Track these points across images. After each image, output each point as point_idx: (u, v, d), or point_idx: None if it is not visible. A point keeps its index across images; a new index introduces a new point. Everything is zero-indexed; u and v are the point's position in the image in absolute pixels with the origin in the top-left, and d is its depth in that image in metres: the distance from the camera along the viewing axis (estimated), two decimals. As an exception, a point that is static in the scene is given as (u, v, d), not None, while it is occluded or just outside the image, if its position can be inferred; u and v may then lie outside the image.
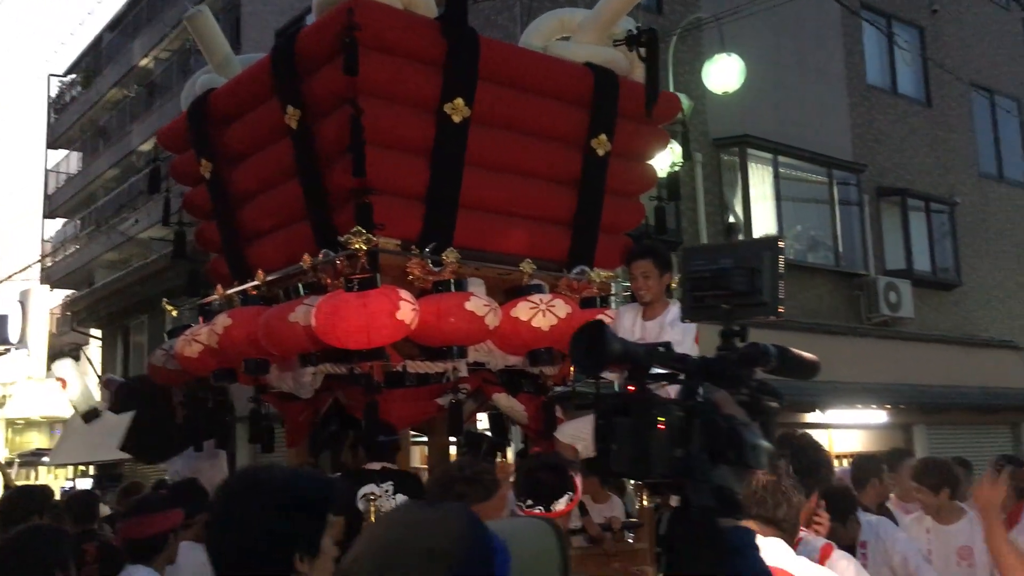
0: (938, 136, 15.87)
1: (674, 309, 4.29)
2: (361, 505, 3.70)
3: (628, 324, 4.33)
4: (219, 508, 1.91)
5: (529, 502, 3.10)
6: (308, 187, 4.36)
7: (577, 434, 4.45)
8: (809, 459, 2.94)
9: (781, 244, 1.58)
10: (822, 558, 2.76)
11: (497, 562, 1.29)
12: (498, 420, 5.28)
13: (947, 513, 4.93)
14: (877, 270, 14.21)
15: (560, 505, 3.08)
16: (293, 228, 4.54)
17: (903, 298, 13.89)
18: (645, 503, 4.81)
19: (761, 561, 1.36)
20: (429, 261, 4.19)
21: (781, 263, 1.56)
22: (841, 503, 4.63)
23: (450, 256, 4.22)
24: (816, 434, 13.58)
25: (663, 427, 1.34)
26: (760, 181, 13.09)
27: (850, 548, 4.53)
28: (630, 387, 1.40)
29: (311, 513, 1.89)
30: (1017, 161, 17.56)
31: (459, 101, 4.24)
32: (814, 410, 12.38)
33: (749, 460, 1.36)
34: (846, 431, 13.33)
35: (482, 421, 5.77)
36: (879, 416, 13.43)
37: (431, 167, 4.28)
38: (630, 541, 4.67)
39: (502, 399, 4.74)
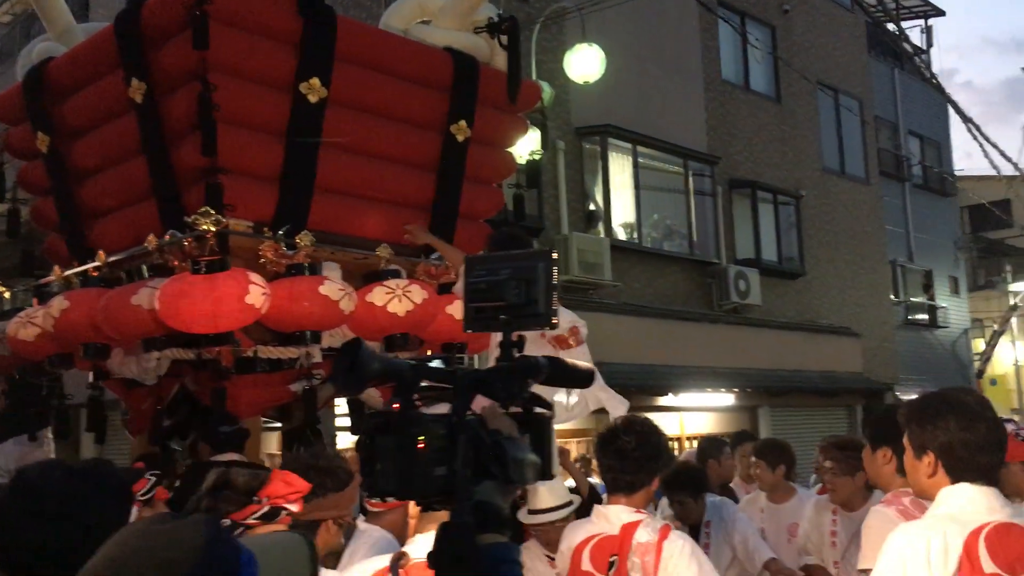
0: (786, 132, 16.62)
1: None
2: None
3: None
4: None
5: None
6: (154, 165, 4.17)
7: None
8: (652, 444, 3.03)
9: (555, 256, 1.61)
10: (660, 538, 2.86)
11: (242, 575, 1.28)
12: (356, 406, 5.22)
13: (780, 492, 5.20)
14: (728, 259, 14.80)
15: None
16: (138, 207, 4.34)
17: (751, 286, 14.51)
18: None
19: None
20: (282, 244, 4.09)
21: (555, 275, 1.58)
22: (694, 481, 4.83)
23: (304, 239, 4.13)
24: (667, 417, 14.09)
25: (423, 446, 1.33)
26: (620, 170, 13.39)
27: (699, 526, 4.73)
28: (395, 405, 1.39)
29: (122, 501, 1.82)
30: (858, 157, 18.60)
31: (315, 81, 4.14)
32: (667, 394, 12.81)
33: (512, 475, 1.38)
34: (696, 413, 13.86)
35: (341, 406, 5.70)
36: (727, 399, 14.01)
37: (285, 148, 4.16)
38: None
39: (357, 385, 4.68)
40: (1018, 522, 2.31)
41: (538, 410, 1.52)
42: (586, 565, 2.94)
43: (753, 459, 5.37)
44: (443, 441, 1.34)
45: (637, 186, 13.50)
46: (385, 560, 2.35)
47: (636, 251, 13.38)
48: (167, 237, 4.02)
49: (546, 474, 1.49)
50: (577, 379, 1.67)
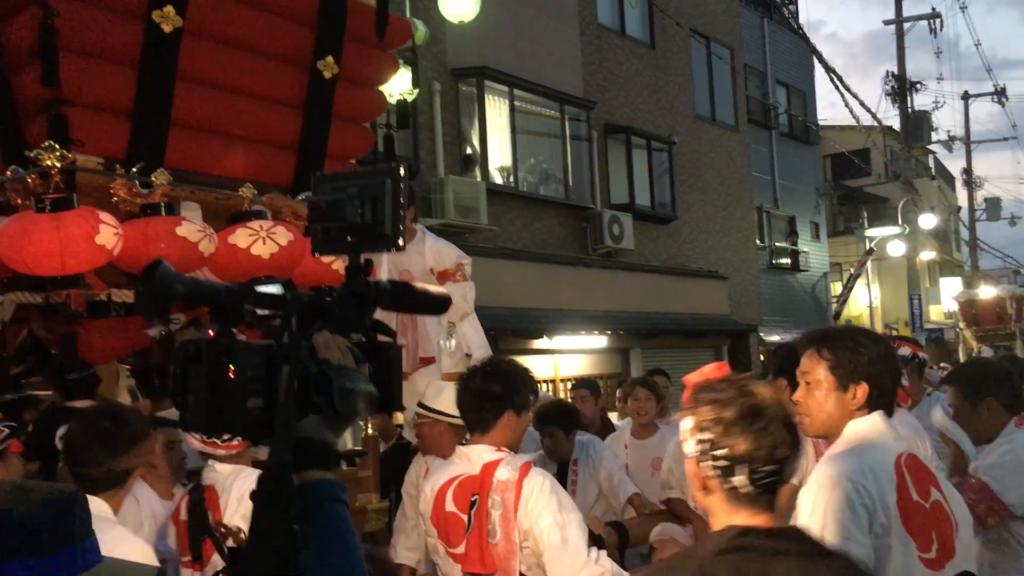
0: (660, 78, 16.85)
1: (427, 237, 4.27)
2: (61, 446, 3.43)
3: None
4: None
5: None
6: (-8, 96, 3.89)
7: None
8: (502, 383, 3.03)
9: (402, 171, 1.46)
10: (520, 475, 2.89)
11: None
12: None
13: (645, 429, 5.36)
14: (603, 203, 15.00)
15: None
16: (-25, 141, 4.05)
17: (625, 231, 14.78)
18: (370, 431, 4.84)
19: (345, 514, 1.31)
20: (136, 182, 3.89)
21: (403, 192, 1.45)
22: (566, 416, 4.93)
23: (160, 177, 3.93)
24: (542, 359, 14.25)
25: (233, 376, 1.23)
26: (497, 113, 13.32)
27: (568, 463, 4.83)
28: (211, 331, 1.28)
29: None
30: (728, 105, 19.06)
31: (169, 9, 3.91)
32: (541, 336, 12.98)
33: (339, 407, 1.29)
34: (570, 356, 14.11)
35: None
36: (600, 341, 14.31)
37: (138, 79, 3.94)
38: (352, 469, 4.67)
39: (220, 329, 4.54)
40: (913, 452, 2.44)
41: (382, 338, 1.43)
42: (449, 506, 2.95)
43: (637, 391, 5.47)
44: (260, 371, 1.25)
45: (514, 130, 13.48)
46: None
47: (512, 195, 13.40)
48: (8, 173, 3.76)
49: (389, 405, 1.41)
50: (428, 305, 1.56)
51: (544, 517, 2.83)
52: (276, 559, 1.21)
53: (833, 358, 2.44)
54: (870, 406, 2.42)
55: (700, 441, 1.78)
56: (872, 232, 24.28)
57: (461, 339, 4.45)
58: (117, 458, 2.34)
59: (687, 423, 1.82)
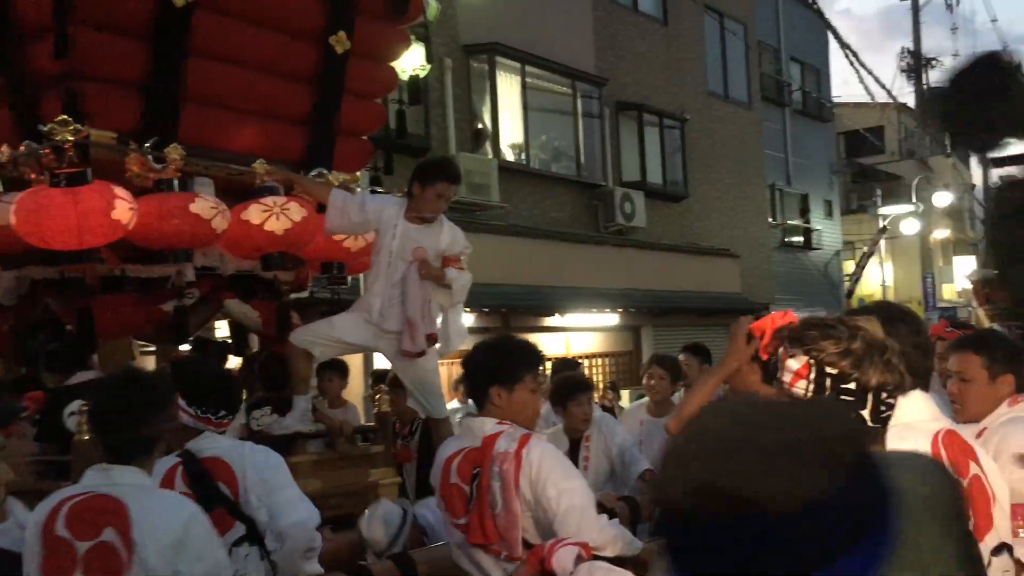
0: (672, 55, 16.72)
1: (446, 223, 4.28)
2: (71, 423, 3.45)
3: (391, 218, 4.23)
4: None
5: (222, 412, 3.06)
6: (5, 70, 3.89)
7: (314, 339, 4.37)
8: (496, 356, 3.08)
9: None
10: (519, 446, 2.91)
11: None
12: (236, 325, 5.09)
13: (660, 406, 5.36)
14: (614, 181, 14.94)
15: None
16: (-11, 116, 4.06)
17: (637, 208, 14.72)
18: (384, 408, 4.85)
19: None
20: (150, 157, 3.89)
21: None
22: (580, 387, 4.94)
23: (173, 153, 3.94)
24: (553, 337, 14.25)
25: None
26: (508, 90, 13.26)
27: (580, 440, 4.84)
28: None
29: None
30: (741, 82, 18.92)
31: (181, -18, 3.91)
32: (552, 314, 12.98)
33: None
34: (581, 333, 14.11)
35: (221, 328, 5.56)
36: (611, 319, 14.30)
37: (150, 53, 3.93)
38: (364, 445, 4.70)
39: (234, 305, 4.56)
40: (952, 427, 2.42)
41: None
42: (454, 478, 2.98)
43: (654, 369, 5.47)
44: None
45: (525, 107, 13.41)
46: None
47: (524, 172, 13.36)
48: (22, 148, 3.78)
49: None
50: None
51: (549, 486, 2.85)
52: None
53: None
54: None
55: (820, 376, 1.76)
56: (886, 210, 24.13)
57: (445, 328, 4.46)
58: (142, 425, 2.35)
59: (795, 363, 1.79)
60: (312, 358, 4.40)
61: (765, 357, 2.66)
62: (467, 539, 2.95)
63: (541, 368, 3.12)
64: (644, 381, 5.58)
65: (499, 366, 3.02)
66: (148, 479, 2.38)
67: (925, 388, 2.46)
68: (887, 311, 2.46)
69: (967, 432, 2.56)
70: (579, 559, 2.64)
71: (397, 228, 4.19)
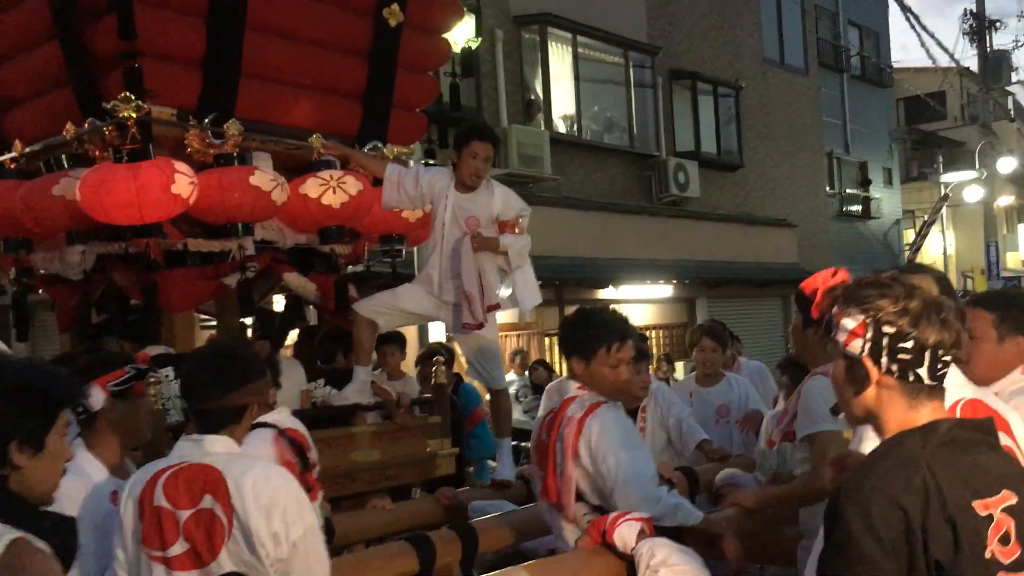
0: (727, 21, 16.43)
1: (494, 186, 4.28)
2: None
3: (442, 190, 4.25)
4: None
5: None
6: (69, 49, 3.96)
7: (379, 309, 4.43)
8: (585, 325, 3.17)
9: None
10: (584, 414, 2.98)
11: None
12: (294, 299, 5.17)
13: (710, 377, 5.33)
14: (668, 151, 14.78)
15: None
16: (54, 95, 4.14)
17: (690, 179, 14.56)
18: (440, 380, 4.89)
19: None
20: (209, 133, 3.95)
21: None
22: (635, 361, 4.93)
23: (232, 128, 3.99)
24: (607, 308, 13.77)
25: None
26: (560, 60, 13.16)
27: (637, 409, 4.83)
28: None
29: (36, 403, 1.83)
30: (798, 48, 18.53)
31: (237, -40, 3.95)
32: (606, 286, 12.93)
33: None
34: (635, 306, 14.04)
35: (278, 303, 5.64)
36: (665, 291, 14.21)
37: (208, 30, 3.98)
38: (422, 416, 4.74)
39: (292, 278, 4.62)
40: (979, 397, 2.32)
41: None
42: (543, 436, 3.10)
43: (709, 342, 5.42)
44: None
45: (577, 77, 13.30)
46: None
47: (576, 144, 13.28)
48: (86, 126, 3.86)
49: None
50: None
51: (609, 456, 2.90)
52: None
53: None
54: None
55: (877, 335, 1.74)
56: (947, 177, 23.54)
57: (514, 289, 4.47)
58: (230, 394, 2.39)
59: (850, 322, 1.76)
60: (376, 328, 4.45)
61: (816, 316, 2.63)
62: (539, 495, 3.12)
63: (625, 342, 3.12)
64: (693, 354, 5.55)
65: (577, 338, 3.12)
66: (238, 447, 2.42)
67: None
68: (910, 271, 2.41)
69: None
70: (642, 534, 2.64)
71: (448, 199, 4.20)
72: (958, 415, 2.21)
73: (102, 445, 2.64)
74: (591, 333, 3.10)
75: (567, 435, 2.95)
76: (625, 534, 2.65)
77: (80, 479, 2.52)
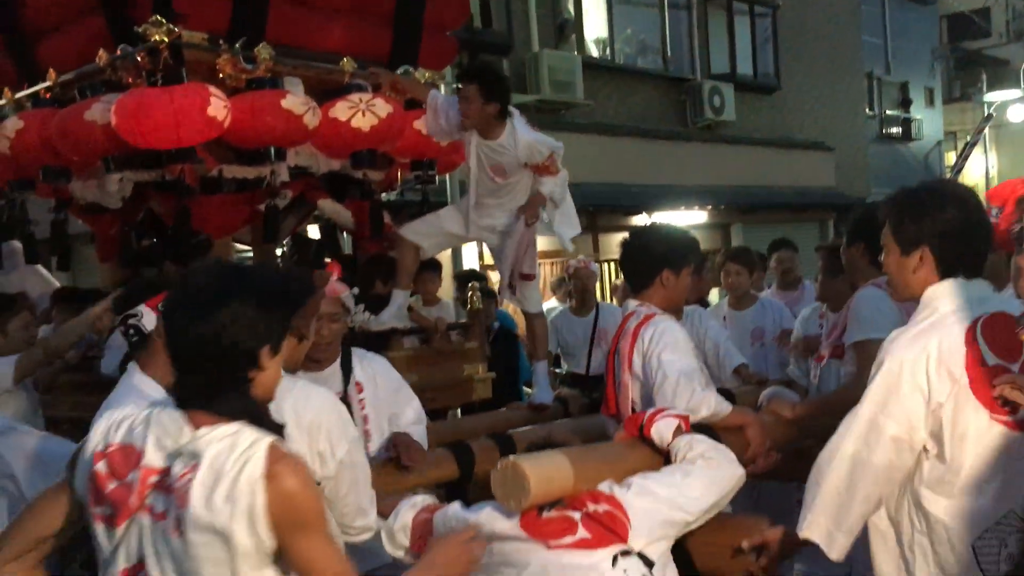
0: (764, -62, 15.92)
1: (520, 126, 4.23)
2: None
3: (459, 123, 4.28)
4: (192, 299, 1.82)
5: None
6: (97, -24, 3.94)
7: (425, 231, 4.50)
8: (647, 248, 3.28)
9: None
10: (639, 324, 3.12)
11: None
12: (329, 226, 5.18)
13: (742, 301, 5.32)
14: (703, 74, 14.48)
15: None
16: (84, 22, 4.13)
17: (726, 102, 14.28)
18: (477, 306, 4.92)
19: None
20: (240, 57, 3.92)
21: None
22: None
23: (263, 52, 3.95)
24: (642, 234, 13.68)
25: None
26: (592, -18, 12.87)
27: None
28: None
29: (282, 306, 1.88)
30: (837, -35, 17.93)
31: None
32: (640, 212, 12.83)
33: None
34: (670, 232, 13.90)
35: (312, 231, 5.66)
36: (700, 216, 14.08)
37: (236, -48, 3.93)
38: (459, 340, 4.78)
39: (327, 204, 4.63)
40: (1004, 309, 2.29)
41: None
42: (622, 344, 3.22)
43: (729, 266, 5.41)
44: None
45: (609, -1, 13.02)
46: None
47: (608, 68, 13.04)
48: (118, 52, 3.84)
49: None
50: None
51: (654, 358, 3.01)
52: None
53: (896, 221, 2.38)
54: (942, 273, 2.31)
55: None
56: (991, 97, 22.89)
57: (552, 223, 4.49)
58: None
59: None
60: (419, 253, 4.51)
61: (1005, 227, 2.60)
62: (602, 411, 3.26)
63: (701, 259, 3.40)
64: (722, 280, 5.53)
65: (670, 250, 3.21)
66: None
67: (977, 274, 2.33)
68: (914, 196, 2.40)
69: None
70: (679, 431, 2.65)
71: (472, 144, 4.25)
72: (978, 334, 2.22)
73: (156, 365, 2.67)
74: (683, 245, 3.25)
75: (622, 347, 3.10)
76: (663, 429, 2.67)
77: (142, 400, 2.56)
